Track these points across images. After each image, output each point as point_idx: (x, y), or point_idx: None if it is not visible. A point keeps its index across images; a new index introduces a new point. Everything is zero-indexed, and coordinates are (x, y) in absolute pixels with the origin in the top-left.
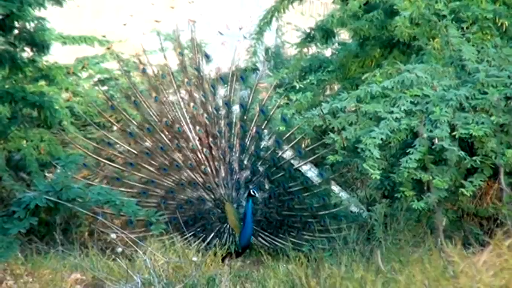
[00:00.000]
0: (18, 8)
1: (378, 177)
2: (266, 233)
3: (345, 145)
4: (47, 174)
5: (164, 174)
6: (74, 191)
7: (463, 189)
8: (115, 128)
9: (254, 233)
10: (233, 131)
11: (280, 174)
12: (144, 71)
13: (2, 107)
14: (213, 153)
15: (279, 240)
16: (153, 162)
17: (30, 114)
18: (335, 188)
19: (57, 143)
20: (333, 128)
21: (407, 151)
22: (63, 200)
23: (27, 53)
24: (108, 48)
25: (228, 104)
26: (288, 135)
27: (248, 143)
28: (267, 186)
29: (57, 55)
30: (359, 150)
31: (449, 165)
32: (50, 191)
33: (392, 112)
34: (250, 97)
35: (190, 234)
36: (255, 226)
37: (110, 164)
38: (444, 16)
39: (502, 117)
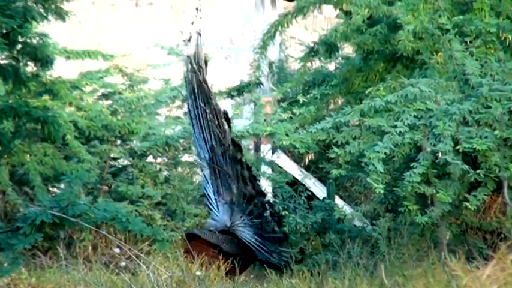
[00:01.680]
0: (20, 25)
1: (382, 191)
2: None
3: (349, 159)
4: (50, 188)
5: None
6: (79, 207)
7: (467, 203)
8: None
9: None
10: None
11: None
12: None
13: (6, 121)
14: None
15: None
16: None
17: (34, 129)
18: (339, 202)
19: (61, 158)
20: (337, 142)
21: (411, 165)
22: (69, 216)
23: (30, 67)
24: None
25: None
26: None
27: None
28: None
29: (61, 70)
30: (363, 164)
31: (453, 179)
32: (55, 206)
33: (396, 126)
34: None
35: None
36: None
37: None
38: (448, 30)
39: (506, 131)
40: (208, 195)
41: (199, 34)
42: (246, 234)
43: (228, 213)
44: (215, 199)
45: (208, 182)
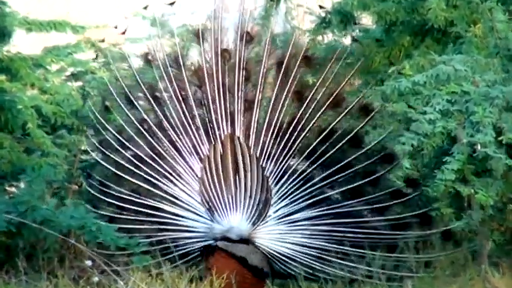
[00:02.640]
0: None
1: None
2: None
3: None
4: (7, 188)
5: None
6: (41, 212)
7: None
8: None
9: None
10: None
11: None
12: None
13: None
14: None
15: None
16: None
17: None
18: None
19: (20, 151)
20: None
21: (443, 160)
22: (29, 222)
23: None
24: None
25: None
26: None
27: None
28: None
29: (21, 44)
30: None
31: (495, 177)
32: (12, 211)
33: (425, 113)
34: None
35: None
36: None
37: None
38: None
39: None
40: (176, 198)
41: None
42: (275, 243)
43: (249, 215)
44: (209, 200)
45: (175, 178)
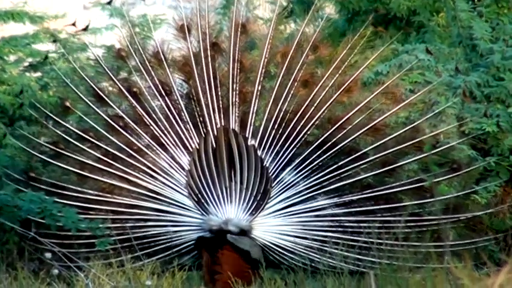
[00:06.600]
0: None
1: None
2: None
3: None
4: None
5: None
6: (0, 198)
7: (475, 196)
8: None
9: None
10: None
11: None
12: None
13: None
14: None
15: None
16: None
17: None
18: None
19: None
20: None
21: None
22: None
23: None
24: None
25: None
26: None
27: None
28: None
29: None
30: None
31: (458, 168)
32: None
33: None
34: None
35: None
36: None
37: None
38: None
39: None
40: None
41: None
42: (275, 235)
43: (245, 207)
44: (198, 191)
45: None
